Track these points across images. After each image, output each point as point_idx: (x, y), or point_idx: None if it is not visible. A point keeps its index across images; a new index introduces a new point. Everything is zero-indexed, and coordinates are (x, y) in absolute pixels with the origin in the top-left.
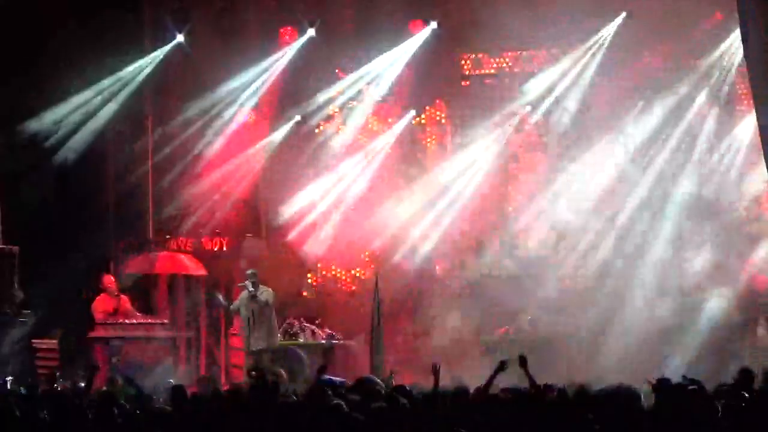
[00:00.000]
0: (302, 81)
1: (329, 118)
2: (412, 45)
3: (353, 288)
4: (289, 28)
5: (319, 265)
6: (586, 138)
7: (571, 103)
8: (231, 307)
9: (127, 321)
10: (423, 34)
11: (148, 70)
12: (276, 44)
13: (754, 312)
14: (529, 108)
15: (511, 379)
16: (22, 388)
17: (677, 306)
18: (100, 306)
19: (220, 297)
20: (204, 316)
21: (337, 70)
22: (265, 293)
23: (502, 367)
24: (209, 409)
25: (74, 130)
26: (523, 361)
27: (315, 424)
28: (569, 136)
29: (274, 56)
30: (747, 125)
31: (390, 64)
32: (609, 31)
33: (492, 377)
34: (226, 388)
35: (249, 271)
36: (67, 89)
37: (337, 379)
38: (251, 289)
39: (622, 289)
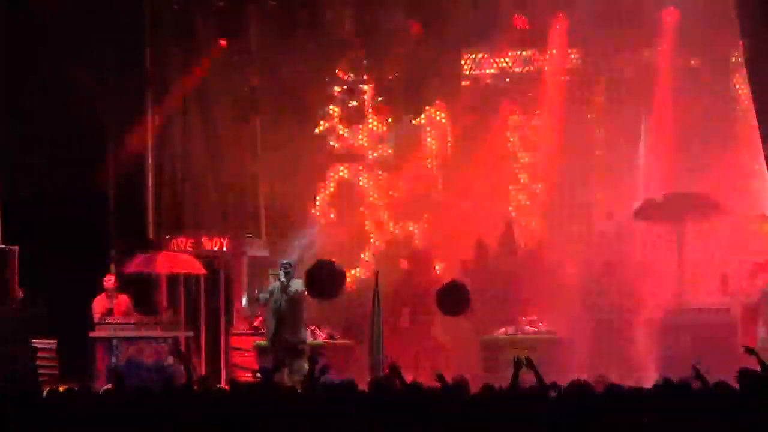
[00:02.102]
0: (302, 80)
1: (329, 118)
2: (412, 45)
3: (353, 288)
4: (288, 29)
5: None
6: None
7: None
8: (260, 296)
9: (126, 321)
10: (422, 35)
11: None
12: (275, 45)
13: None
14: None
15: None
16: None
17: (676, 306)
18: (98, 306)
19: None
20: (204, 316)
21: (336, 70)
22: (296, 285)
23: (520, 364)
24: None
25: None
26: (529, 363)
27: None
28: None
29: (273, 56)
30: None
31: (391, 63)
32: None
33: (515, 377)
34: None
35: (284, 261)
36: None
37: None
38: (283, 279)
39: (622, 289)
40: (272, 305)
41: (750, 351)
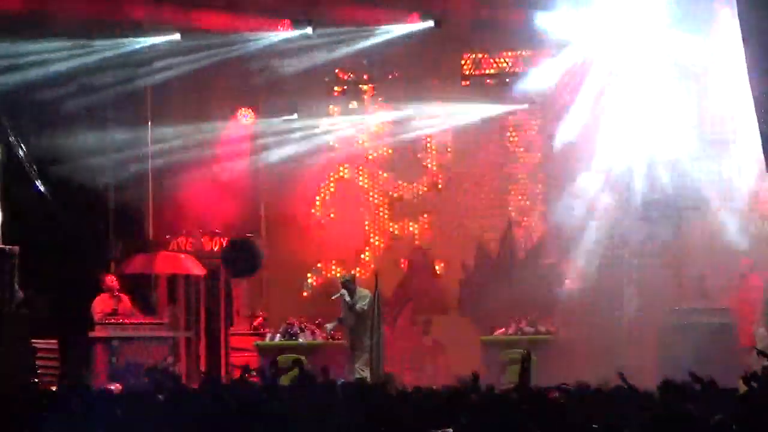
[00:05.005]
0: (301, 79)
1: (328, 117)
2: (412, 45)
3: None
4: (286, 21)
5: (319, 265)
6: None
7: None
8: (327, 326)
9: (127, 321)
10: (421, 30)
11: (148, 69)
12: (275, 43)
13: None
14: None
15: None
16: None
17: (677, 307)
18: (99, 306)
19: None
20: (204, 316)
21: (336, 70)
22: (360, 301)
23: (528, 360)
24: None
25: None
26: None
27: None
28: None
29: (273, 54)
30: None
31: (390, 63)
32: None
33: (525, 372)
34: None
35: (343, 279)
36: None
37: (339, 380)
38: (348, 299)
39: (623, 290)
40: (345, 322)
41: (761, 353)
